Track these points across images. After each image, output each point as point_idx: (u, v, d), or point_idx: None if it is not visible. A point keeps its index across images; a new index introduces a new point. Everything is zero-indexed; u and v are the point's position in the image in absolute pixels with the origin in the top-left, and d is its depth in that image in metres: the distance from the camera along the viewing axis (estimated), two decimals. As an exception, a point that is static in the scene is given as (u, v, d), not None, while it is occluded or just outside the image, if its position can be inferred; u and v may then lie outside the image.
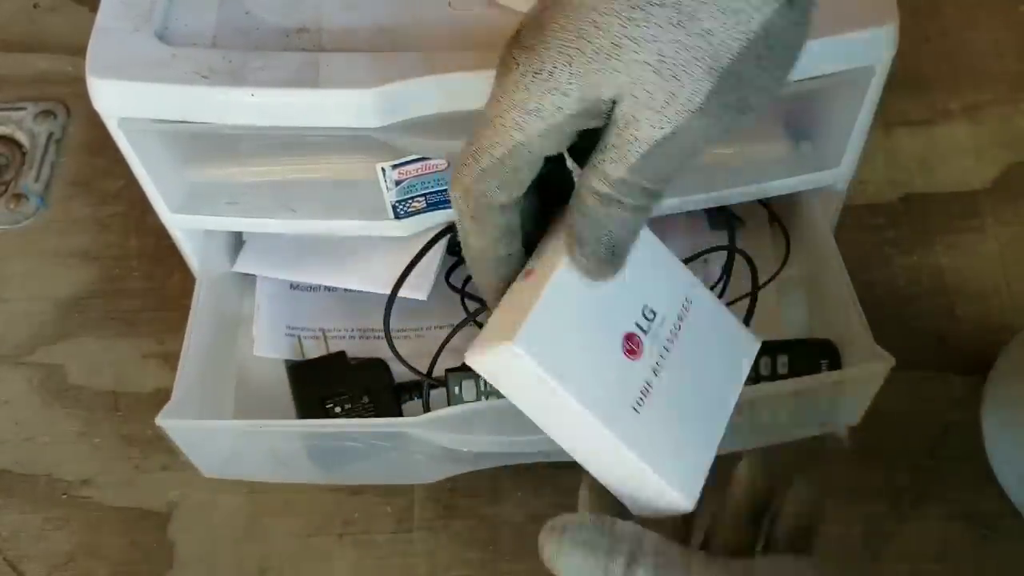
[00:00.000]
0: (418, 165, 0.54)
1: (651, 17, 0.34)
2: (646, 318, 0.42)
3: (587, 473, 0.42)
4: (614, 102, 0.36)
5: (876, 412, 0.55)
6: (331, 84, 0.49)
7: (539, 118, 0.36)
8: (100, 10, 0.53)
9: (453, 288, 0.63)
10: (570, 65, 0.35)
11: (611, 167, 0.37)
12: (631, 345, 0.41)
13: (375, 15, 0.53)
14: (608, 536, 0.37)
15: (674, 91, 0.34)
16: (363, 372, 0.60)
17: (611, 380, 0.40)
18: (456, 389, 0.57)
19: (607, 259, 0.39)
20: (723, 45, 0.34)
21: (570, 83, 0.35)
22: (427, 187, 0.56)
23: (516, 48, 0.37)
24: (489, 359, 0.41)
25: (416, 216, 0.58)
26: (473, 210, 0.40)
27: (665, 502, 0.40)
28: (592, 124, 0.37)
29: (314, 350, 0.62)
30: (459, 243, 0.62)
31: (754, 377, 0.55)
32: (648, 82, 0.34)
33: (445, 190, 0.57)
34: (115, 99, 0.51)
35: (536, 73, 0.36)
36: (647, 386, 0.40)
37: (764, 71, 0.35)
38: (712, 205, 0.59)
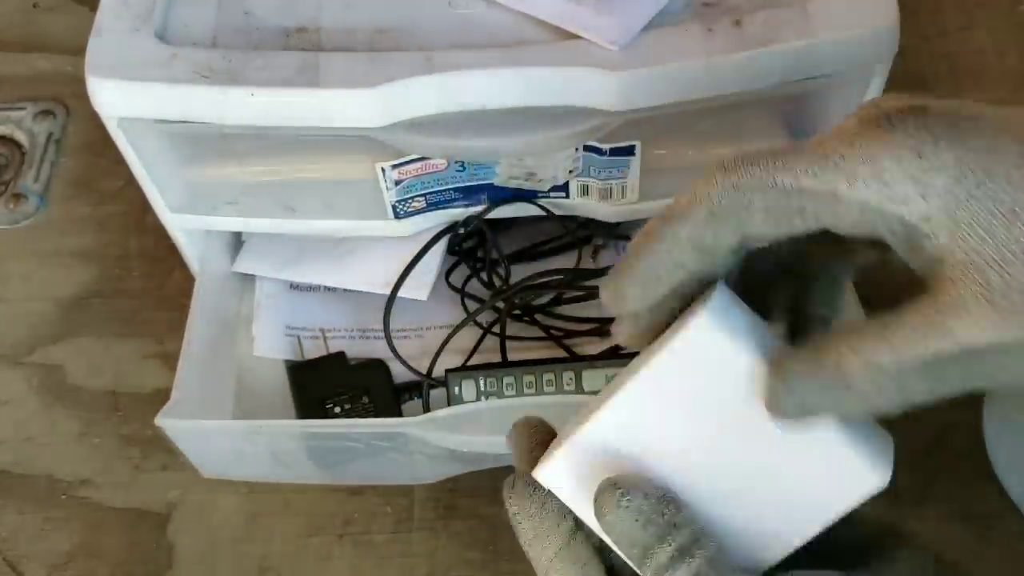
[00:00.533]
0: (418, 165, 0.54)
1: None
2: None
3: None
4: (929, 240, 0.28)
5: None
6: (331, 84, 0.49)
7: (880, 193, 0.29)
8: (100, 10, 0.53)
9: (453, 288, 0.63)
10: (955, 183, 0.28)
11: (883, 349, 0.29)
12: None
13: (375, 15, 0.53)
14: (666, 520, 0.32)
15: None
16: (363, 372, 0.60)
17: None
18: (456, 389, 0.57)
19: (786, 414, 0.31)
20: None
21: (932, 197, 0.28)
22: (427, 187, 0.56)
23: (931, 123, 0.29)
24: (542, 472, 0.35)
25: (416, 216, 0.58)
26: (716, 204, 0.31)
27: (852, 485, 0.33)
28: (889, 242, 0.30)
29: (314, 350, 0.62)
30: (459, 243, 0.62)
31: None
32: (1012, 271, 0.27)
33: (445, 190, 0.57)
34: (115, 99, 0.51)
35: (920, 156, 0.28)
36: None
37: None
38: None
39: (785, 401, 0.30)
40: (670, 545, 0.32)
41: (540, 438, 0.36)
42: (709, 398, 0.32)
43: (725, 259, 0.32)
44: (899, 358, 0.29)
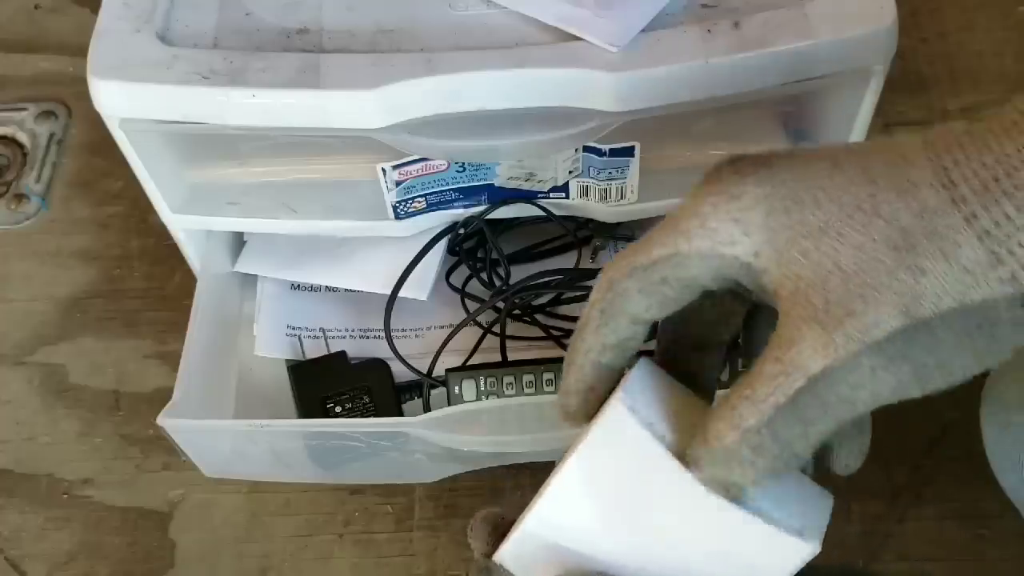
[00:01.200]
0: (419, 166, 0.54)
1: (870, 226, 0.29)
2: None
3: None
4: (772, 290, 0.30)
5: (874, 411, 0.55)
6: (332, 85, 0.49)
7: (710, 239, 0.31)
8: (101, 11, 0.53)
9: (453, 288, 0.63)
10: (767, 215, 0.30)
11: (748, 410, 0.29)
12: None
13: (375, 16, 0.53)
14: None
15: (855, 310, 0.28)
16: (363, 372, 0.60)
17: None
18: (456, 389, 0.58)
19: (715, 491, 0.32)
20: (931, 294, 0.28)
21: (753, 233, 0.30)
22: (427, 187, 0.56)
23: (742, 167, 0.31)
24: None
25: (416, 216, 0.58)
26: (604, 303, 0.33)
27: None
28: (745, 293, 0.33)
29: (314, 350, 0.62)
30: (459, 243, 0.63)
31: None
32: (829, 286, 0.29)
33: (445, 190, 0.57)
34: (116, 100, 0.51)
35: (733, 198, 0.31)
36: None
37: (962, 349, 0.30)
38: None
39: (705, 482, 0.31)
40: None
41: (499, 530, 0.37)
42: (633, 479, 0.33)
43: (634, 341, 0.34)
44: (761, 413, 0.29)
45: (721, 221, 0.31)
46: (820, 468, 0.36)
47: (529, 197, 0.58)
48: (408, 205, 0.57)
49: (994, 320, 0.29)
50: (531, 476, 0.60)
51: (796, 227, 0.29)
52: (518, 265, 0.64)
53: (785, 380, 0.29)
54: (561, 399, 0.35)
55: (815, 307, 0.29)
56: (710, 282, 0.32)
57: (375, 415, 0.58)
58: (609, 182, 0.56)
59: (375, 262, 0.61)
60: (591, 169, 0.55)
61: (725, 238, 0.31)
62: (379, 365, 0.60)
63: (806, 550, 0.32)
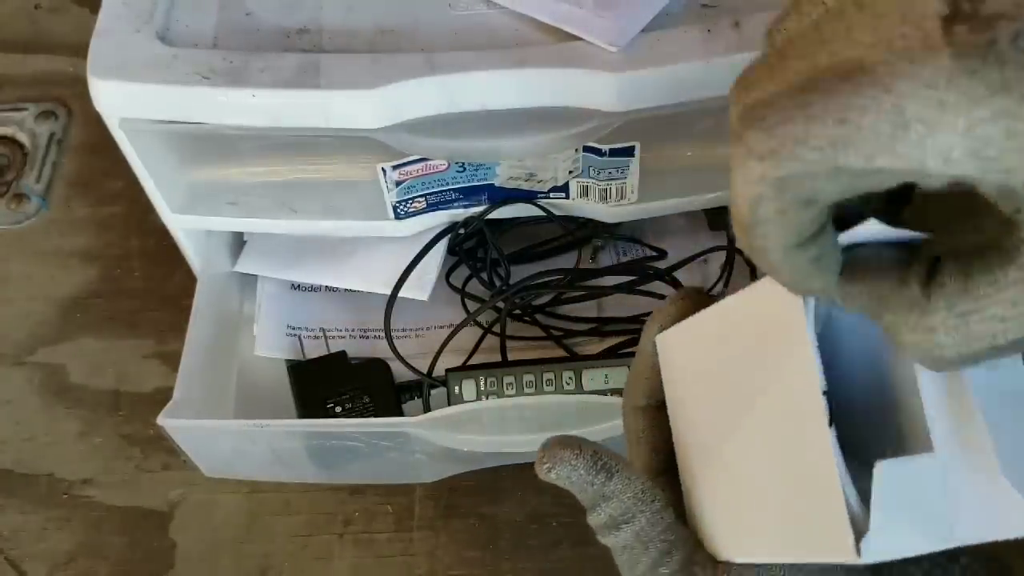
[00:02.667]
0: (419, 166, 0.54)
1: None
2: None
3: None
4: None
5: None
6: (332, 85, 0.49)
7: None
8: (101, 11, 0.53)
9: (453, 288, 0.63)
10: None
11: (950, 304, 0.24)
12: None
13: (375, 16, 0.53)
14: (594, 490, 0.34)
15: None
16: (363, 372, 0.60)
17: None
18: (456, 389, 0.58)
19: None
20: None
21: None
22: (428, 187, 0.56)
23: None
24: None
25: (416, 216, 0.58)
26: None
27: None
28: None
29: (315, 350, 0.62)
30: (459, 243, 0.63)
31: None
32: None
33: (445, 190, 0.57)
34: (116, 99, 0.51)
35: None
36: None
37: None
38: (712, 205, 0.59)
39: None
40: (600, 514, 0.34)
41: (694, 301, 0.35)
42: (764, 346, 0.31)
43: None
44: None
45: (1002, 147, 0.21)
46: None
47: (529, 197, 0.58)
48: (408, 205, 0.57)
49: None
50: (531, 476, 0.60)
51: None
52: (518, 265, 0.64)
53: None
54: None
55: None
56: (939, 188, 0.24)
57: (375, 415, 0.58)
58: (609, 182, 0.56)
59: (375, 262, 0.61)
60: (591, 169, 0.55)
61: (1003, 166, 0.22)
62: (379, 365, 0.60)
63: (845, 554, 0.28)
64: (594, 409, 0.54)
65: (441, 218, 0.59)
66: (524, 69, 0.50)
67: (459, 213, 0.59)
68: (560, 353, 0.62)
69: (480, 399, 0.57)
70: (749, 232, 0.25)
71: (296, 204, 0.57)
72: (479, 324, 0.61)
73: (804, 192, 0.24)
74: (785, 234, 0.25)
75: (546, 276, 0.62)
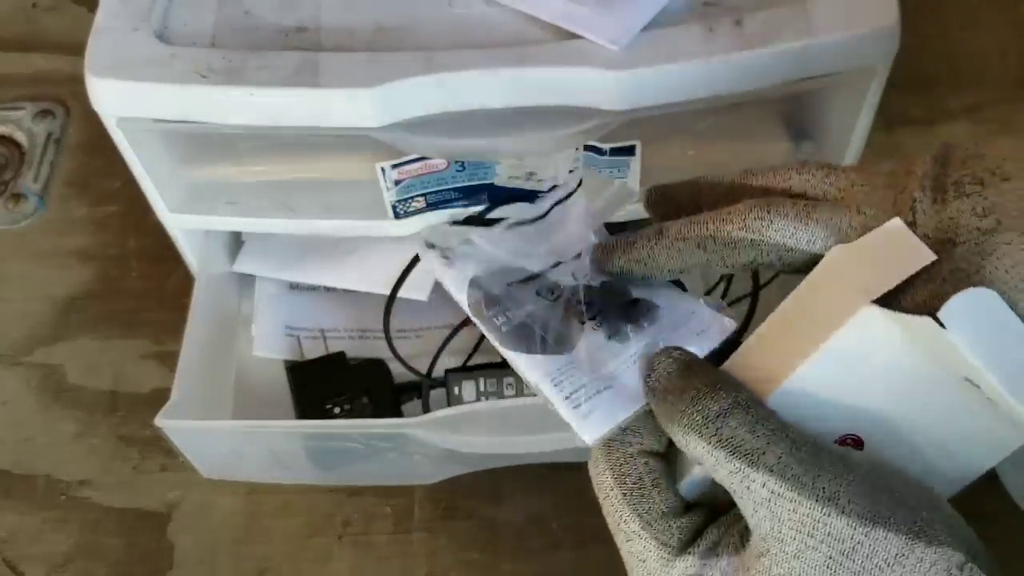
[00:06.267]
0: (418, 165, 0.54)
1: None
2: None
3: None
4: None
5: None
6: (330, 84, 0.49)
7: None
8: (99, 9, 0.52)
9: (453, 288, 0.63)
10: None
11: None
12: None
13: (375, 15, 0.53)
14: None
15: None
16: (363, 372, 0.60)
17: None
18: (456, 389, 0.57)
19: None
20: None
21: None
22: (427, 187, 0.56)
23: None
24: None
25: (416, 216, 0.57)
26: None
27: None
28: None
29: (314, 350, 0.62)
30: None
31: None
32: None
33: (445, 190, 0.57)
34: (114, 98, 0.51)
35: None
36: None
37: None
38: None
39: None
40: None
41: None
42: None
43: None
44: None
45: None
46: None
47: (529, 197, 0.58)
48: (407, 204, 0.57)
49: None
50: (531, 476, 0.60)
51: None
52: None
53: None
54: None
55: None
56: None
57: (374, 416, 0.58)
58: (610, 181, 0.56)
59: (374, 262, 0.61)
60: (592, 168, 0.55)
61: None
62: (378, 365, 0.60)
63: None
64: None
65: (441, 217, 0.58)
66: (524, 67, 0.50)
67: (459, 213, 0.58)
68: (560, 353, 0.61)
69: (480, 399, 0.57)
70: None
71: (294, 204, 0.57)
72: (479, 324, 0.61)
73: None
74: None
75: (546, 276, 0.61)
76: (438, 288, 0.61)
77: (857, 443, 0.34)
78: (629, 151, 0.54)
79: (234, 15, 0.53)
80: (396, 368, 0.59)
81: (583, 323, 0.38)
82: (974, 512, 0.58)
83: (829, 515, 0.31)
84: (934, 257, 0.32)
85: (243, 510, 0.61)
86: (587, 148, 0.54)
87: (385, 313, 0.59)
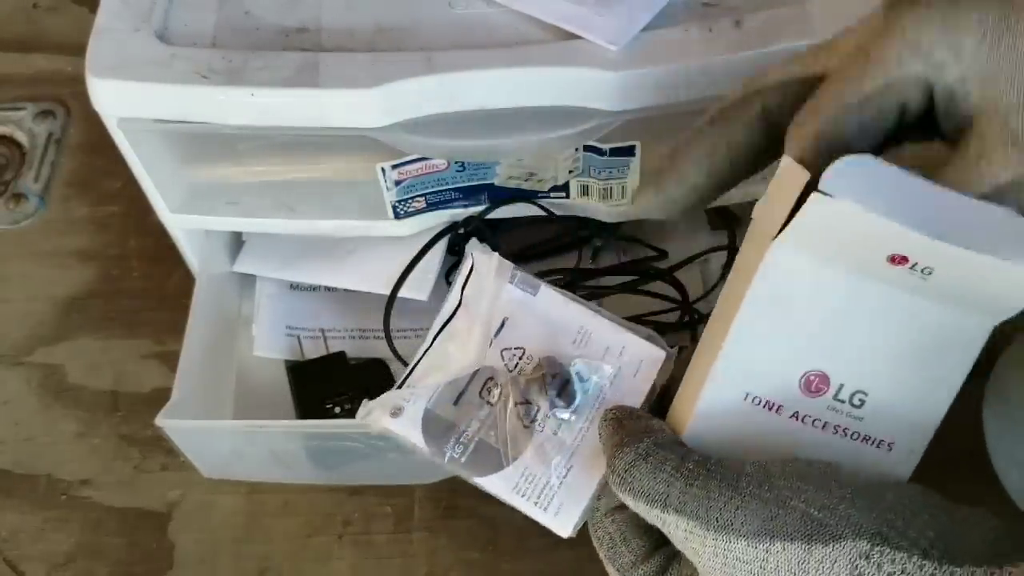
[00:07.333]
0: (418, 165, 0.54)
1: None
2: None
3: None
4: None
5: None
6: (331, 84, 0.49)
7: (922, 63, 0.32)
8: (100, 10, 0.52)
9: (453, 288, 0.63)
10: (979, 42, 0.31)
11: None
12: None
13: (375, 15, 0.53)
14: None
15: None
16: (363, 372, 0.60)
17: None
18: (456, 389, 0.57)
19: None
20: None
21: (964, 59, 0.31)
22: (427, 187, 0.56)
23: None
24: None
25: (416, 216, 0.58)
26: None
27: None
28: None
29: (314, 350, 0.62)
30: (459, 243, 0.62)
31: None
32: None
33: (445, 190, 0.57)
34: (115, 99, 0.51)
35: (947, 21, 0.31)
36: None
37: None
38: (712, 205, 0.59)
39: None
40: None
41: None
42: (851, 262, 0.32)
43: None
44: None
45: (935, 46, 0.32)
46: None
47: (529, 197, 0.58)
48: (408, 205, 0.57)
49: None
50: (531, 477, 0.60)
51: (1008, 53, 0.30)
52: (518, 265, 0.63)
53: (970, 188, 0.31)
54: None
55: (1013, 131, 0.30)
56: (911, 107, 0.33)
57: (375, 415, 0.58)
58: (610, 181, 0.56)
59: (375, 262, 0.61)
60: (592, 168, 0.55)
61: (937, 62, 0.32)
62: (379, 365, 0.60)
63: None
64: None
65: (441, 218, 0.58)
66: (524, 68, 0.50)
67: (459, 213, 0.58)
68: (560, 353, 0.62)
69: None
70: None
71: (295, 204, 0.57)
72: (479, 324, 0.61)
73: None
74: None
75: (546, 276, 0.61)
76: (438, 288, 0.61)
77: (823, 380, 0.34)
78: (629, 151, 0.54)
79: (235, 15, 0.53)
80: (396, 368, 0.59)
81: (527, 427, 0.39)
82: (973, 511, 0.59)
83: (730, 542, 0.32)
84: (807, 175, 0.32)
85: (243, 510, 0.61)
86: (587, 148, 0.54)
87: (385, 313, 0.59)
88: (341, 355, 0.61)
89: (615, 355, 0.40)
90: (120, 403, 0.65)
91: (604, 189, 0.56)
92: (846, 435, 0.35)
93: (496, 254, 0.39)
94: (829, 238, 0.31)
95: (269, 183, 0.57)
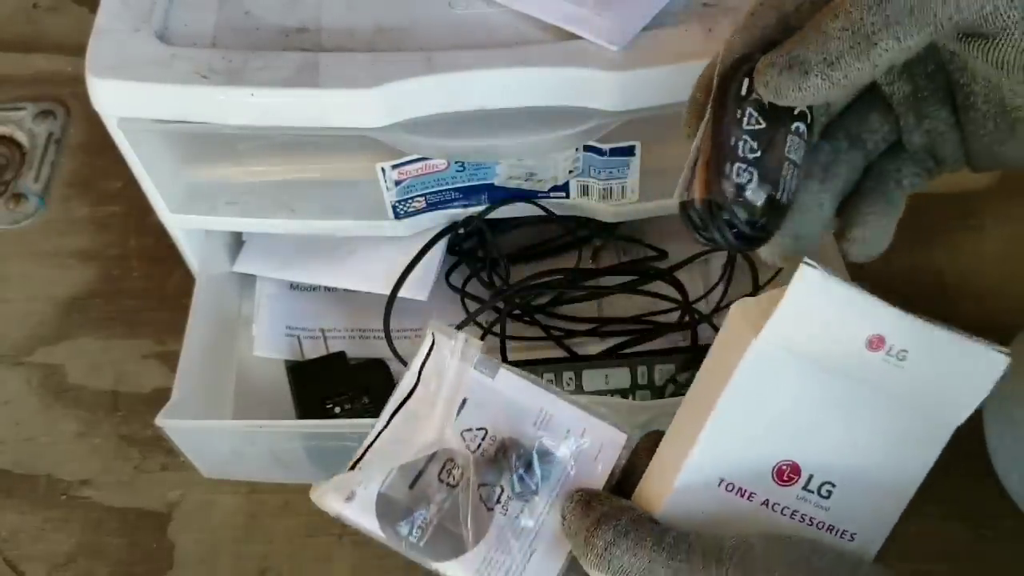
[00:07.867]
0: (418, 165, 0.54)
1: None
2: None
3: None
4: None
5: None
6: (331, 84, 0.49)
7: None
8: (100, 10, 0.53)
9: (453, 288, 0.63)
10: None
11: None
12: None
13: (375, 14, 0.53)
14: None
15: None
16: (363, 372, 0.60)
17: None
18: (456, 389, 0.57)
19: None
20: None
21: None
22: (427, 187, 0.56)
23: None
24: None
25: (416, 216, 0.58)
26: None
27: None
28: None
29: (314, 350, 0.62)
30: (459, 243, 0.62)
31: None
32: None
33: (445, 190, 0.57)
34: (115, 99, 0.51)
35: None
36: None
37: None
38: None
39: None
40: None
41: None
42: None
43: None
44: None
45: None
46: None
47: (529, 197, 0.58)
48: (408, 205, 0.57)
49: None
50: (531, 477, 0.60)
51: None
52: (518, 265, 0.64)
53: None
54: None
55: None
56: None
57: (374, 415, 0.58)
58: (610, 181, 0.56)
59: (375, 262, 0.61)
60: (592, 168, 0.55)
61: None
62: (378, 365, 0.60)
63: (1000, 361, 0.34)
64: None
65: (441, 218, 0.58)
66: (524, 68, 0.50)
67: (459, 213, 0.58)
68: (560, 353, 0.62)
69: (480, 399, 0.57)
70: None
71: (295, 204, 0.57)
72: (479, 324, 0.61)
73: None
74: None
75: (546, 276, 0.61)
76: (438, 288, 0.61)
77: (794, 470, 0.35)
78: (629, 151, 0.54)
79: (235, 16, 0.53)
80: (396, 367, 0.59)
81: (490, 509, 0.39)
82: (974, 513, 0.59)
83: None
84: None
85: (244, 509, 0.61)
86: (587, 148, 0.54)
87: (385, 313, 0.59)
88: (341, 355, 0.61)
89: (576, 436, 0.39)
90: (120, 403, 0.65)
91: (604, 189, 0.56)
92: (812, 524, 0.36)
93: (462, 333, 0.39)
94: (811, 325, 0.32)
95: (269, 183, 0.57)
